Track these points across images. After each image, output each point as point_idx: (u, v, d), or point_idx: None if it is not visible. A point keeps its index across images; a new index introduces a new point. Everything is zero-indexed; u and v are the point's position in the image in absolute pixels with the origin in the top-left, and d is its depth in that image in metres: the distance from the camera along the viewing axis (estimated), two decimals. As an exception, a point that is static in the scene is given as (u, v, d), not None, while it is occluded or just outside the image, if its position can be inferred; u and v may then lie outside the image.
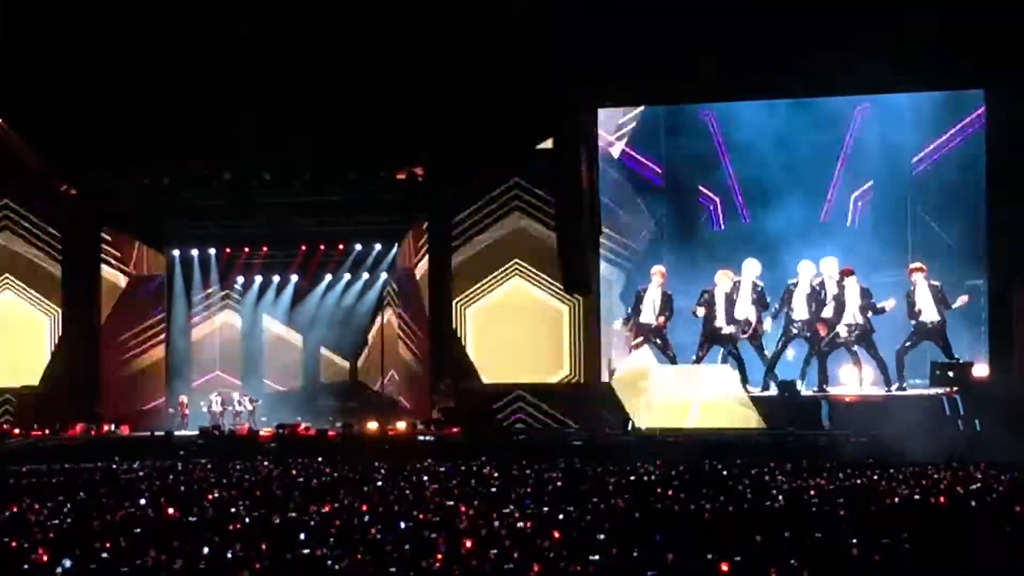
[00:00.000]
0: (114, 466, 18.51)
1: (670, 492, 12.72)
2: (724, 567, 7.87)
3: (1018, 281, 20.68)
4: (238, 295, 28.40)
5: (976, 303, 21.03)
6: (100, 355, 25.85)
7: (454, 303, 23.99)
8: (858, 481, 14.05)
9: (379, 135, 23.29)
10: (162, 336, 27.23)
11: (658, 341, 22.03)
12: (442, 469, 16.58)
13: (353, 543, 9.14)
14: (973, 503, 11.66)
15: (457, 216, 24.11)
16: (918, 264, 20.97)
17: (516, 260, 23.79)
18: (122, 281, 26.54)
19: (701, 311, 21.56)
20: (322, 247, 27.38)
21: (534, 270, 23.66)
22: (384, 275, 27.40)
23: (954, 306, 20.53)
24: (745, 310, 21.43)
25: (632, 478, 14.68)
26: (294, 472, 16.44)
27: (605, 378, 22.46)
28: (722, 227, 23.38)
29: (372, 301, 27.68)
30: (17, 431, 24.22)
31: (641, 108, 23.25)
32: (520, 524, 10.09)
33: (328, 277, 27.78)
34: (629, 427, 21.23)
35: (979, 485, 13.10)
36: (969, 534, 9.46)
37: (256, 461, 18.91)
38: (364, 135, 23.28)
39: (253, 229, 26.91)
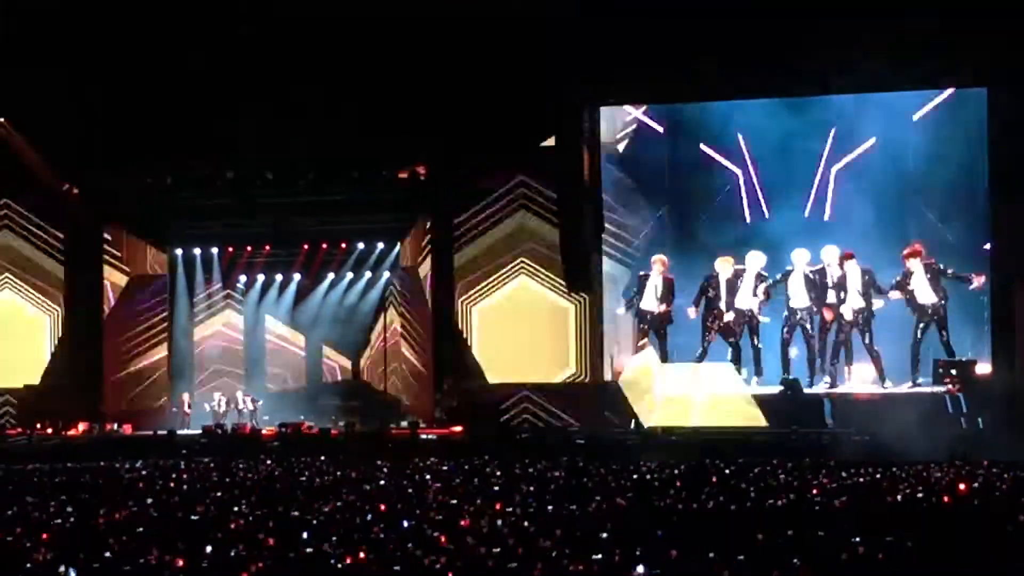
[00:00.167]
0: (117, 465, 18.52)
1: (672, 491, 12.72)
2: (725, 575, 7.86)
3: (1020, 279, 20.67)
4: (240, 294, 28.39)
5: (979, 301, 21.03)
6: (103, 354, 25.87)
7: (460, 302, 23.99)
8: (861, 479, 14.04)
9: (380, 134, 23.30)
10: (165, 335, 27.23)
11: (659, 332, 22.05)
12: (444, 468, 16.59)
13: (356, 542, 9.14)
14: (976, 501, 11.65)
15: (460, 215, 24.13)
16: (915, 247, 20.83)
17: (522, 258, 23.81)
18: (124, 281, 26.55)
19: (693, 312, 21.73)
20: (324, 246, 27.36)
21: (540, 268, 23.67)
22: (387, 274, 27.38)
23: (971, 287, 20.51)
24: (748, 301, 21.48)
25: (635, 477, 14.68)
26: (296, 471, 16.44)
27: (608, 376, 22.47)
28: (722, 225, 23.36)
29: (374, 300, 27.66)
30: (19, 430, 24.24)
31: (644, 107, 23.27)
32: (523, 523, 10.10)
33: (331, 276, 27.75)
34: (633, 425, 21.23)
35: (982, 483, 13.09)
36: (972, 532, 9.45)
37: (259, 460, 18.92)
38: (366, 135, 23.29)
39: (256, 228, 26.90)
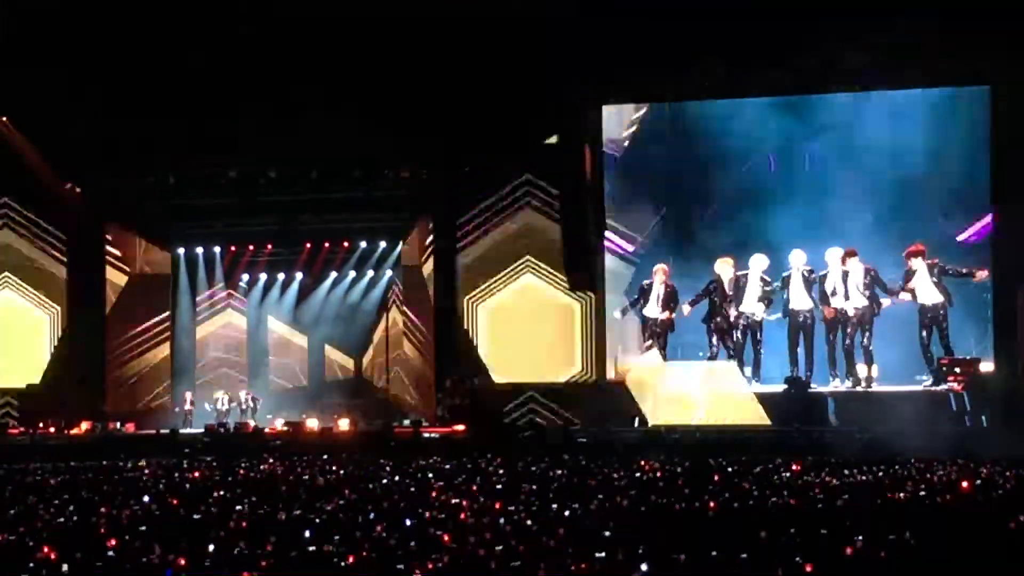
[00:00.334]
0: (119, 463, 18.52)
1: (675, 489, 12.71)
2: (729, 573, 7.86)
3: (1022, 277, 20.66)
4: (243, 293, 28.42)
5: (982, 300, 21.01)
6: (105, 353, 25.88)
7: (466, 300, 23.99)
8: (864, 477, 14.03)
9: (382, 134, 23.31)
10: (167, 334, 27.25)
11: (662, 339, 22.05)
12: (447, 466, 16.58)
13: (358, 540, 9.14)
14: (980, 499, 11.64)
15: (464, 213, 24.13)
16: (917, 246, 20.79)
17: (527, 257, 23.81)
18: (125, 280, 26.56)
19: (687, 308, 21.77)
20: (327, 245, 27.40)
21: (545, 267, 23.66)
22: (389, 272, 27.41)
23: (975, 280, 20.50)
24: (752, 305, 21.46)
25: (637, 475, 14.67)
26: (299, 469, 16.43)
27: (611, 375, 22.46)
28: (725, 224, 23.36)
29: (377, 298, 27.71)
30: (20, 429, 24.25)
31: (646, 106, 23.26)
32: (526, 522, 10.09)
33: (333, 275, 27.79)
34: (636, 423, 21.23)
35: (985, 481, 13.08)
36: (976, 530, 9.44)
37: (261, 458, 18.91)
38: (367, 134, 23.30)
39: (258, 227, 26.94)
